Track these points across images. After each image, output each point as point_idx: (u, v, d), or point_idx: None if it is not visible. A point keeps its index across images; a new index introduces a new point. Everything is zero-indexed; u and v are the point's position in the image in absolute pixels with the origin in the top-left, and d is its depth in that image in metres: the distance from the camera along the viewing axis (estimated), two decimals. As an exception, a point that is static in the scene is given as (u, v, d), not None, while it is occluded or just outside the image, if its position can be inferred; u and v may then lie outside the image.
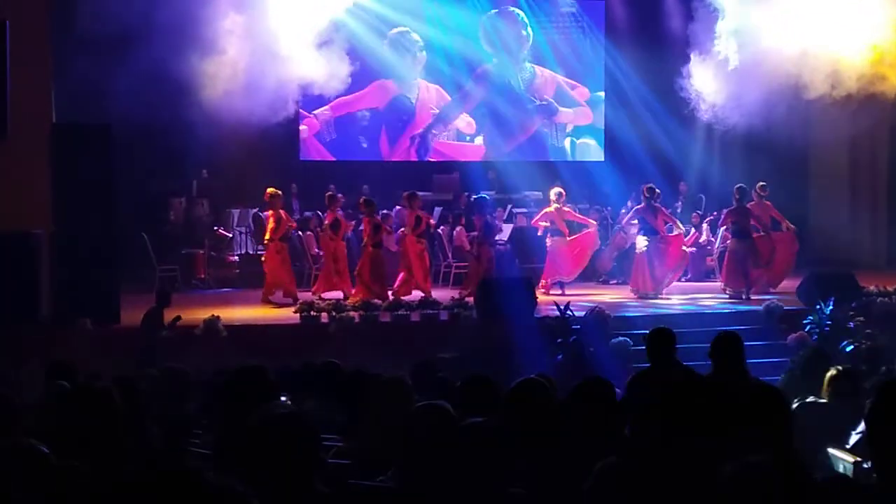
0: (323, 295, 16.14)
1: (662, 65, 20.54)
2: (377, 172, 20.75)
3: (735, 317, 14.78)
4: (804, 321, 13.93)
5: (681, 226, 17.59)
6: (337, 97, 19.71)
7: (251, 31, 16.69)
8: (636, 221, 17.00)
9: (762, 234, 17.04)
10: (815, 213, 21.79)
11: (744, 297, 16.33)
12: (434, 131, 21.53)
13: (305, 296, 16.06)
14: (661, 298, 16.64)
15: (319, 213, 18.92)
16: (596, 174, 20.42)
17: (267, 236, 16.36)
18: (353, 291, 16.07)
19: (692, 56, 18.87)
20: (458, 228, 18.45)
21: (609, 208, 19.85)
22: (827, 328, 13.52)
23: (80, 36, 14.92)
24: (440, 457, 4.22)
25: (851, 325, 13.61)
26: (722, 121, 18.75)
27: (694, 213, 19.54)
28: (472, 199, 17.06)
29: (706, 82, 18.62)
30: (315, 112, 20.46)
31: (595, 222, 17.88)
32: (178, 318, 13.08)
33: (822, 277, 15.32)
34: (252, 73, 16.50)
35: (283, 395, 6.63)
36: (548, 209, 17.07)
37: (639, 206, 17.02)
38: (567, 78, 21.91)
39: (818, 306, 13.95)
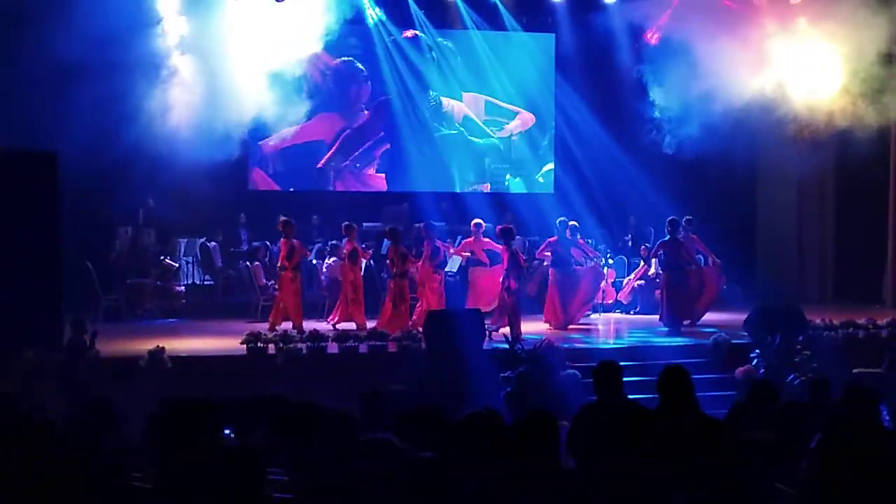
0: (338, 325, 16.05)
1: (613, 98, 20.71)
2: (326, 202, 20.69)
3: (682, 350, 14.78)
4: (751, 354, 14.01)
5: (595, 258, 17.82)
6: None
7: (204, 67, 16.70)
8: (549, 253, 17.09)
9: (693, 267, 17.19)
10: (763, 247, 22.02)
11: (683, 329, 16.51)
12: (333, 163, 21.30)
13: (320, 325, 15.74)
14: (574, 330, 16.78)
15: (268, 242, 18.82)
16: (546, 206, 20.44)
17: (279, 264, 16.33)
18: (379, 321, 15.96)
19: (644, 88, 19.07)
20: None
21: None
22: (774, 362, 13.60)
23: (27, 63, 14.75)
24: (386, 491, 4.18)
25: (798, 358, 13.68)
26: (671, 154, 18.99)
27: (642, 247, 19.59)
28: (499, 228, 16.96)
29: (657, 115, 18.83)
30: (260, 143, 20.34)
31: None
32: (96, 332, 13.00)
33: (769, 311, 15.37)
34: (202, 108, 16.51)
35: (228, 429, 6.55)
36: (468, 240, 17.42)
37: (551, 239, 17.19)
38: (507, 104, 21.99)
39: (765, 340, 14.05)
